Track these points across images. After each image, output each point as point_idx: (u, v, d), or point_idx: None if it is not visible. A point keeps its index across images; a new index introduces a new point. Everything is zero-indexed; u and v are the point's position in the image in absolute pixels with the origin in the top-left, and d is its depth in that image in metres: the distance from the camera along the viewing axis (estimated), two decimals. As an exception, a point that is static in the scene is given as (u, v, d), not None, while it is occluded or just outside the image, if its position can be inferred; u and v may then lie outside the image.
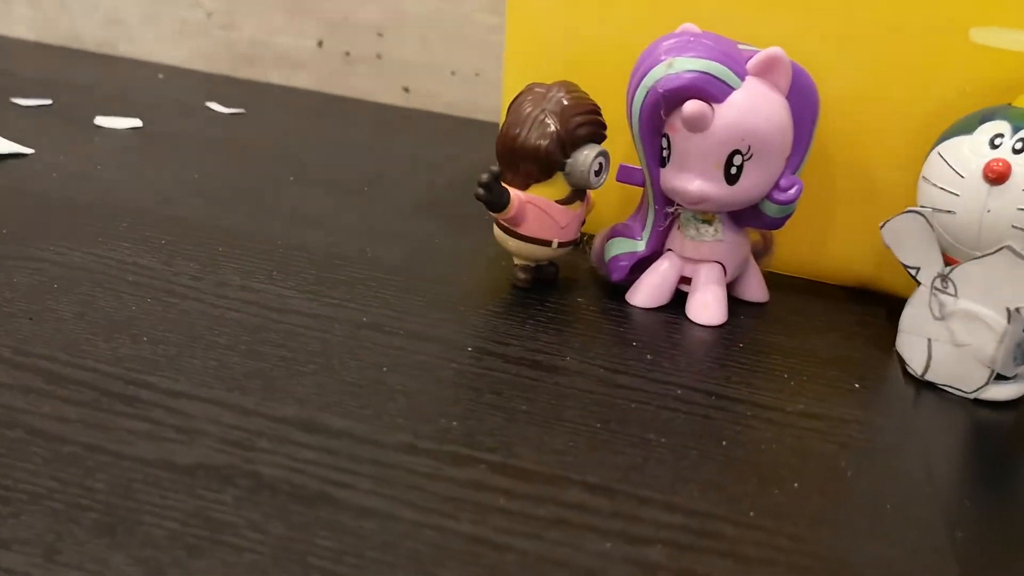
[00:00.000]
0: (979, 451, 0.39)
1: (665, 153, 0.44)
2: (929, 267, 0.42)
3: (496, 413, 0.36)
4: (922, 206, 0.42)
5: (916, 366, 0.43)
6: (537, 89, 0.45)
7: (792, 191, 0.44)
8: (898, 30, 0.46)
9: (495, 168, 0.44)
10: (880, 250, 0.45)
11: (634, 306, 0.47)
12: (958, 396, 0.42)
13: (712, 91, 0.42)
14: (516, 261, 0.48)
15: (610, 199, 0.51)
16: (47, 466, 0.31)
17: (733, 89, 0.42)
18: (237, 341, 0.39)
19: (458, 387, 0.38)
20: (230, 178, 0.59)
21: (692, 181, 0.44)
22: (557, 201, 0.45)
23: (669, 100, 0.42)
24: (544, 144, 0.43)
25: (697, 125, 0.42)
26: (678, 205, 0.46)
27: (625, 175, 0.47)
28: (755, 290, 0.49)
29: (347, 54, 0.84)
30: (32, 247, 0.46)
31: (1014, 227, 0.39)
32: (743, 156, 0.43)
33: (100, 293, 0.42)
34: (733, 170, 0.43)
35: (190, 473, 0.31)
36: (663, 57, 0.42)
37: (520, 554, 0.29)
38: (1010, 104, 0.42)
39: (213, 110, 0.74)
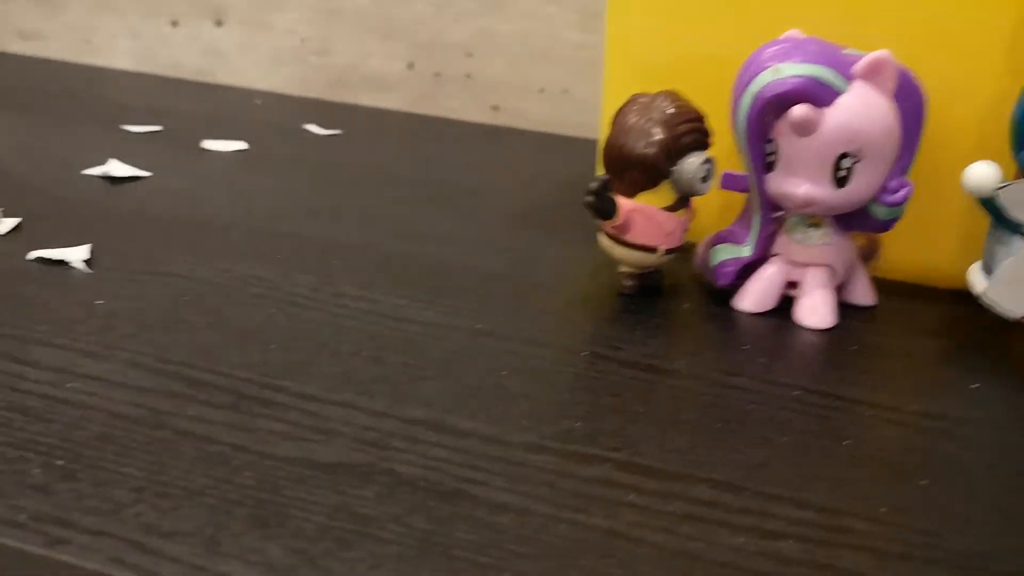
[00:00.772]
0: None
1: (771, 159, 0.45)
2: None
3: (616, 414, 0.37)
4: None
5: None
6: (641, 99, 0.46)
7: (901, 193, 0.44)
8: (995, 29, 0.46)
9: (604, 176, 0.44)
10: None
11: (741, 311, 0.47)
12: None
13: (819, 94, 0.42)
14: (622, 268, 0.48)
15: (711, 206, 0.51)
16: (197, 464, 0.32)
17: (840, 92, 0.42)
18: (360, 348, 0.41)
19: (576, 390, 0.39)
20: (335, 195, 0.61)
21: (800, 185, 0.44)
22: (663, 208, 0.46)
23: (776, 105, 0.43)
24: (651, 152, 0.44)
25: (805, 129, 0.42)
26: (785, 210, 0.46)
27: (730, 182, 0.48)
28: (862, 293, 0.49)
29: (437, 75, 0.86)
30: (159, 263, 0.48)
31: None
32: (852, 159, 0.43)
33: (226, 304, 0.44)
34: (842, 173, 0.43)
35: (331, 471, 0.32)
36: (768, 64, 0.43)
37: (654, 547, 0.30)
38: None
39: (311, 132, 0.76)
